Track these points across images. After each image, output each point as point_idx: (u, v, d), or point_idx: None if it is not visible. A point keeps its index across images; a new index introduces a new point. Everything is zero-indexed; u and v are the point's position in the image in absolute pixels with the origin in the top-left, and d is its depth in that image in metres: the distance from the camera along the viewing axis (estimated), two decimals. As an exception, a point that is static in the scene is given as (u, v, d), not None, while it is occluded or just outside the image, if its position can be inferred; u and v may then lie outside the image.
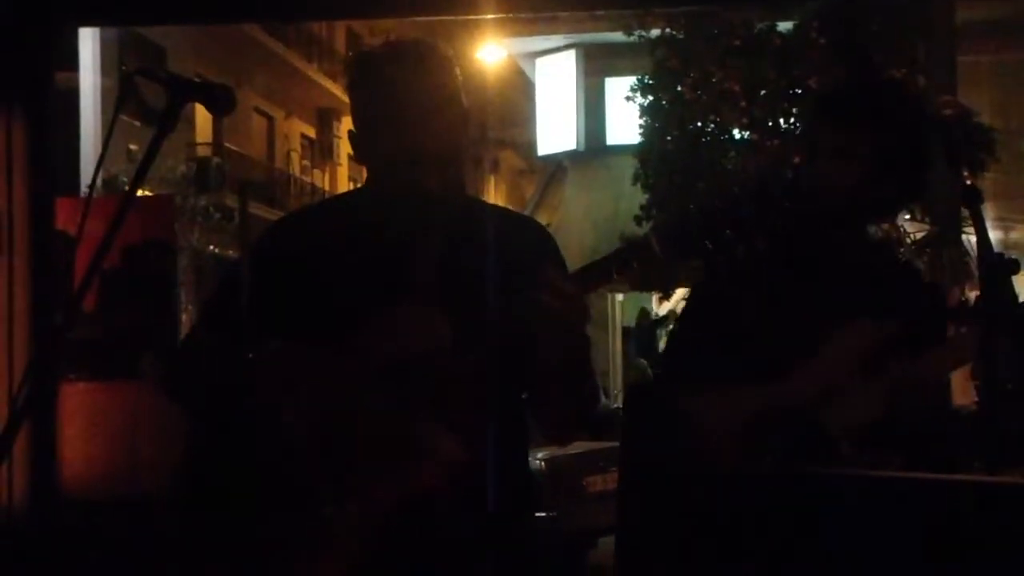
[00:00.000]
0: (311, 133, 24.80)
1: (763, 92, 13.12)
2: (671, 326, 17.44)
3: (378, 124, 2.14)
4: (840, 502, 1.75)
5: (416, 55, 2.15)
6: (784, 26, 13.42)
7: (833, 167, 2.43)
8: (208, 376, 2.18)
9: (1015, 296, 1.98)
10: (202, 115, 16.73)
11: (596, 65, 20.12)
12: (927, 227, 11.89)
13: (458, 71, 2.18)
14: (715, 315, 2.54)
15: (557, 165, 22.26)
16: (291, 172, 23.41)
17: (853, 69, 11.98)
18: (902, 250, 11.37)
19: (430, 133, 2.10)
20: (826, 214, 2.48)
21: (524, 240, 2.24)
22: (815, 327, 2.44)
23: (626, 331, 19.35)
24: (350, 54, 24.15)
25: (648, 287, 15.64)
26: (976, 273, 2.32)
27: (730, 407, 2.41)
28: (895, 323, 2.45)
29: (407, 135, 2.10)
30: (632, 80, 14.61)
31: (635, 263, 1.99)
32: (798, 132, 12.74)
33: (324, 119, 24.73)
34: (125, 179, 11.56)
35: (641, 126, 14.44)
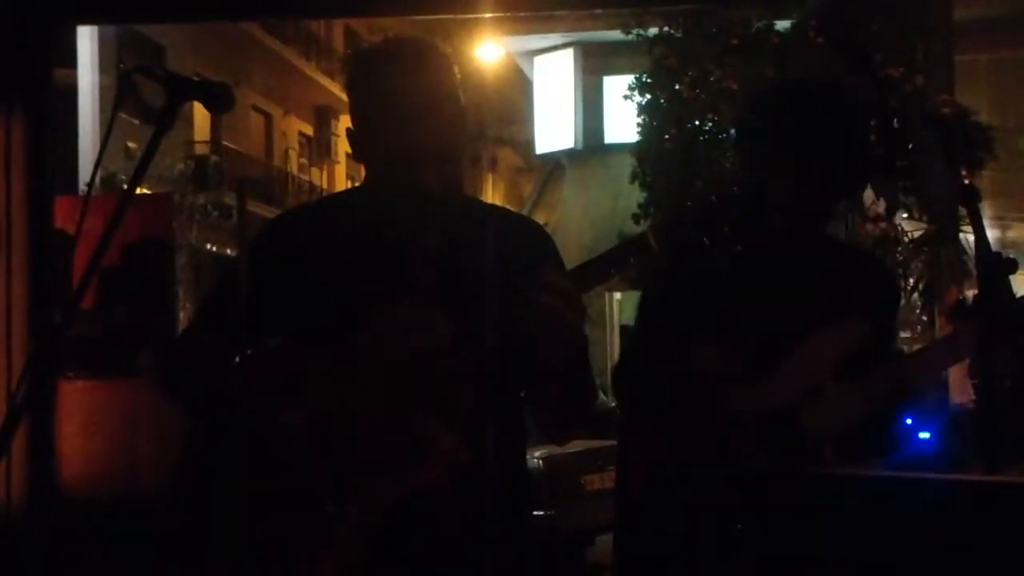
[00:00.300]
0: (309, 131, 24.80)
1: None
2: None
3: (376, 122, 2.14)
4: (839, 501, 1.75)
5: (415, 53, 2.15)
6: (782, 25, 13.41)
7: (782, 177, 2.45)
8: (205, 373, 2.18)
9: (1013, 295, 1.98)
10: (200, 113, 16.72)
11: (594, 63, 20.12)
12: (924, 226, 11.89)
13: (456, 70, 2.18)
14: (677, 313, 2.54)
15: (555, 163, 22.26)
16: (289, 170, 23.41)
17: (850, 68, 11.98)
18: (899, 248, 11.38)
19: (428, 131, 2.10)
20: (782, 218, 2.48)
21: (522, 240, 2.24)
22: (783, 325, 2.43)
23: (624, 329, 19.34)
24: (348, 52, 24.16)
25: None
26: (974, 272, 2.33)
27: (706, 408, 2.40)
28: (870, 321, 2.46)
29: (405, 133, 2.10)
30: (630, 79, 14.61)
31: (633, 260, 1.99)
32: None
33: (322, 117, 24.72)
34: (123, 177, 11.55)
35: (639, 124, 14.43)
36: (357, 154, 2.20)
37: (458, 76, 2.18)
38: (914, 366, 2.44)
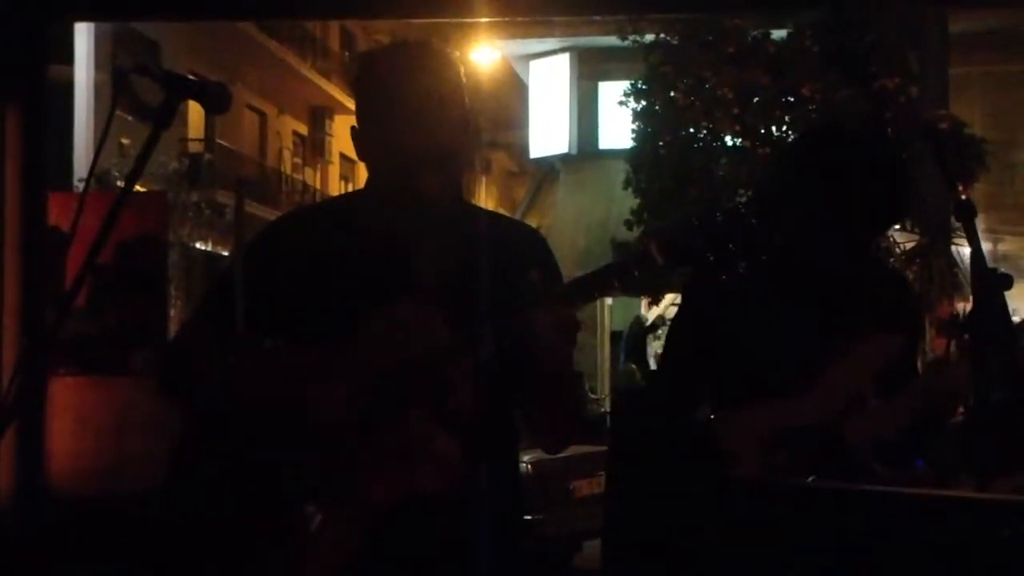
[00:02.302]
0: (303, 131, 24.76)
1: (756, 99, 13.13)
2: (659, 332, 17.48)
3: (381, 123, 2.14)
4: (824, 513, 1.75)
5: (424, 57, 2.16)
6: (778, 34, 13.44)
7: (828, 221, 2.45)
8: (203, 369, 2.18)
9: (1007, 311, 1.99)
10: (194, 111, 16.66)
11: (590, 69, 20.13)
12: (916, 238, 11.93)
13: (464, 76, 2.18)
14: (712, 324, 2.54)
15: (549, 168, 22.26)
16: (282, 169, 23.37)
17: (846, 79, 12.01)
18: (892, 260, 11.40)
19: (429, 135, 2.11)
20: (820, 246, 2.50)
21: (521, 247, 2.24)
22: (819, 339, 2.44)
23: (615, 336, 19.35)
24: (348, 53, 24.18)
25: (638, 292, 15.65)
26: (965, 284, 2.34)
27: (748, 420, 2.40)
28: (904, 335, 2.47)
29: (409, 136, 2.10)
30: (625, 84, 14.62)
31: (636, 271, 2.00)
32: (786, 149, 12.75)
33: (316, 117, 24.69)
34: (117, 173, 11.53)
35: (634, 131, 14.44)
36: (360, 154, 2.20)
37: (465, 83, 2.19)
38: (954, 376, 2.42)
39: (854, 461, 2.35)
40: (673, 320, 2.72)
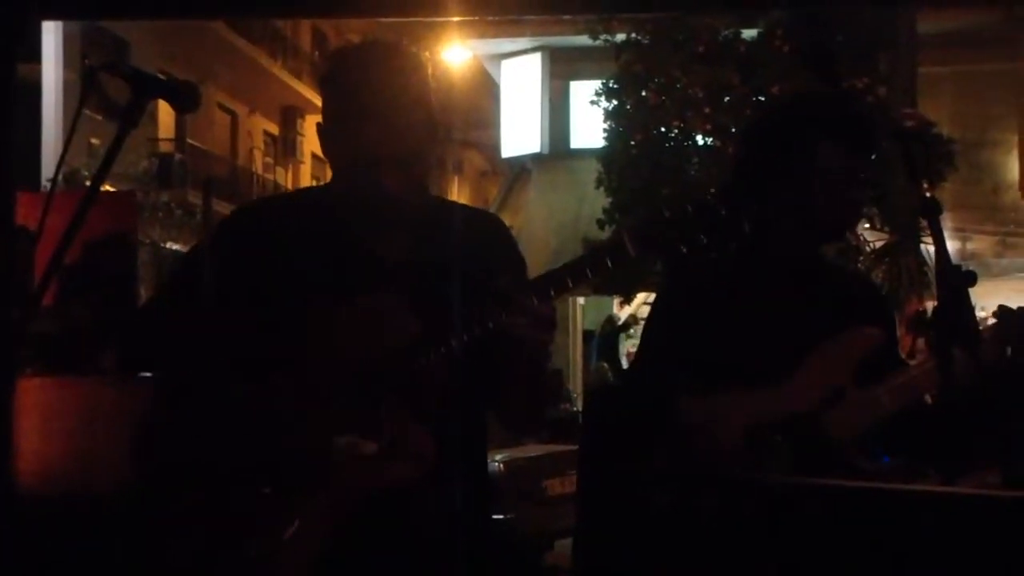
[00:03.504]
0: (274, 130, 24.69)
1: (727, 98, 13.19)
2: (632, 331, 17.51)
3: (346, 120, 2.15)
4: (794, 509, 1.76)
5: (390, 56, 2.17)
6: (749, 33, 13.51)
7: (842, 189, 2.47)
8: (167, 337, 2.16)
9: (972, 308, 2.00)
10: (164, 110, 16.60)
11: (561, 68, 20.14)
12: (886, 236, 12.01)
13: (431, 77, 2.20)
14: (687, 319, 2.55)
15: (521, 167, 22.26)
16: (254, 169, 23.29)
17: (815, 78, 12.07)
18: (861, 258, 11.47)
19: (395, 134, 2.12)
20: (804, 230, 2.51)
21: (482, 234, 2.26)
22: (794, 329, 2.46)
23: (587, 335, 19.38)
24: (317, 53, 24.10)
25: (610, 291, 15.68)
26: (933, 282, 2.35)
27: (728, 413, 2.41)
28: (882, 327, 2.49)
29: (372, 134, 2.11)
30: (597, 84, 14.66)
31: (609, 263, 2.01)
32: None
33: (288, 117, 24.62)
34: (86, 173, 11.46)
35: (605, 130, 14.47)
36: (325, 150, 2.21)
37: (432, 84, 2.20)
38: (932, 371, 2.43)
39: (836, 455, 2.37)
40: (648, 315, 2.73)
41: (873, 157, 2.56)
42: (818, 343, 2.44)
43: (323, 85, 2.23)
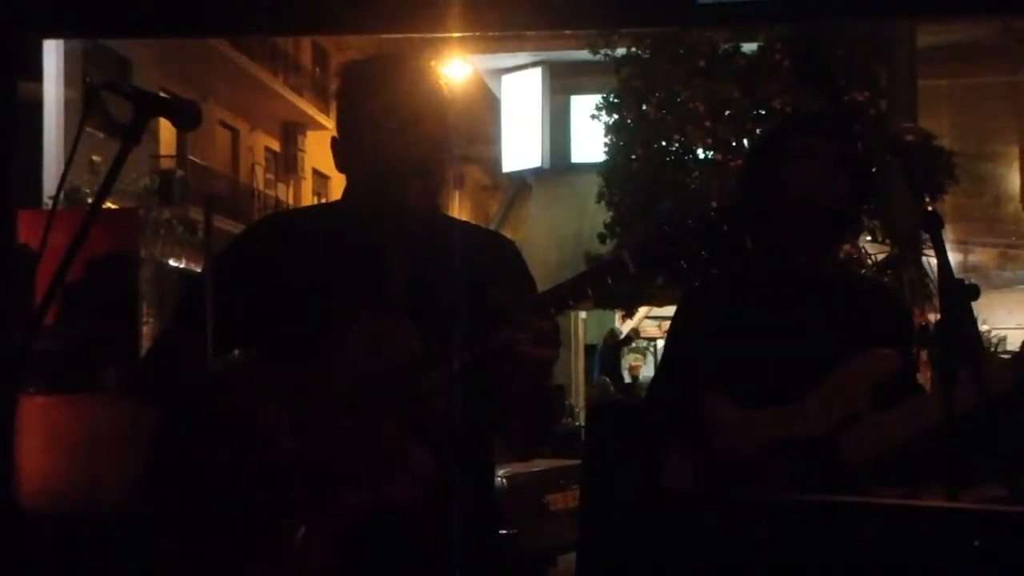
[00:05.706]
0: (276, 147, 24.69)
1: (727, 112, 13.20)
2: (633, 345, 17.49)
3: (363, 133, 2.15)
4: (799, 527, 1.76)
5: (407, 69, 2.18)
6: (749, 47, 13.52)
7: (828, 174, 2.49)
8: (180, 377, 2.16)
9: (975, 321, 2.00)
10: (166, 127, 16.63)
11: (562, 83, 20.18)
12: (888, 249, 12.00)
13: (445, 89, 2.20)
14: (706, 336, 2.55)
15: (521, 182, 22.28)
16: (255, 186, 23.30)
17: (816, 91, 12.08)
18: (863, 271, 11.46)
19: (412, 147, 2.12)
20: (807, 228, 2.51)
21: (493, 256, 2.26)
22: (814, 351, 2.45)
23: (589, 349, 19.36)
24: (318, 70, 24.14)
25: (612, 305, 15.68)
26: (935, 295, 2.35)
27: (747, 431, 2.40)
28: (901, 349, 2.47)
29: (391, 146, 2.12)
30: (597, 98, 14.67)
31: (610, 280, 2.01)
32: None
33: (289, 133, 24.63)
34: (87, 191, 11.46)
35: (606, 144, 14.49)
36: (339, 165, 2.21)
37: (446, 96, 2.20)
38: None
39: (852, 480, 2.35)
40: (669, 330, 2.74)
41: (854, 144, 2.58)
42: (837, 357, 2.42)
43: (338, 98, 2.23)
